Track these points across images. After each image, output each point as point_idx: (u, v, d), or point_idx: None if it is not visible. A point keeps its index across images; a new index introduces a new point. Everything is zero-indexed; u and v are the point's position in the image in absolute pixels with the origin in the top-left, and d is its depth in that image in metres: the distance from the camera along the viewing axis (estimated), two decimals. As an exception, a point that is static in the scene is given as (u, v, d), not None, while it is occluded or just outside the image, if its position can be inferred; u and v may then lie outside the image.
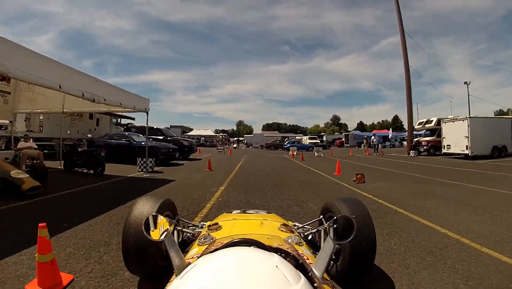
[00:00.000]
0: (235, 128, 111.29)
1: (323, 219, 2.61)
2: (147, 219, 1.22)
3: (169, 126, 42.32)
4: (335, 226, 1.17)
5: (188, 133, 47.82)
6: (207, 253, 1.03)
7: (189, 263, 1.03)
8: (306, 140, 43.97)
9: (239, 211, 2.56)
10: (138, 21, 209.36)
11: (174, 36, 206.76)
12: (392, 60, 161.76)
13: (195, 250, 1.52)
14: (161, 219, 1.23)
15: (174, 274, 1.08)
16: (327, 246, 1.05)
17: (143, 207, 2.34)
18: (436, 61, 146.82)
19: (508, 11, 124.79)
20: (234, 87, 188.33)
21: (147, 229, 1.20)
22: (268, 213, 2.50)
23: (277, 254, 0.88)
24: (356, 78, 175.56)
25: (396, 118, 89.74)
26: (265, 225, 1.94)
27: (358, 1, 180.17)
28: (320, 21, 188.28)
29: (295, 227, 2.42)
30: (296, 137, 50.10)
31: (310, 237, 2.41)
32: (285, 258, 0.95)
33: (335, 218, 1.19)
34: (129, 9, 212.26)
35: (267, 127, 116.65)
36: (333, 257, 2.24)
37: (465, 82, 37.75)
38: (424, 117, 25.17)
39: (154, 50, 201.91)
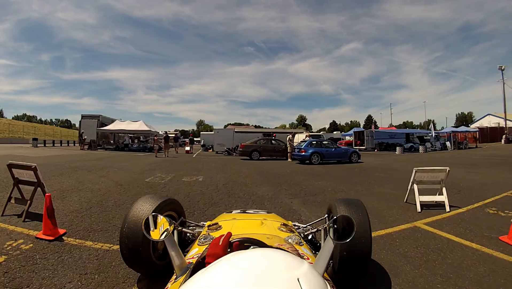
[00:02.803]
0: (195, 128, 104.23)
1: (326, 218, 2.60)
2: (147, 219, 1.25)
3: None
4: (335, 226, 1.18)
5: (107, 127, 31.20)
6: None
7: (189, 263, 1.17)
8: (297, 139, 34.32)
9: (239, 211, 2.57)
10: (102, 15, 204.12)
11: (138, 33, 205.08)
12: (352, 65, 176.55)
13: (195, 250, 1.53)
14: (161, 218, 1.25)
15: (174, 274, 1.10)
16: (327, 245, 1.05)
17: (142, 205, 2.37)
18: (394, 67, 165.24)
19: (464, 23, 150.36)
20: (198, 87, 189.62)
21: (147, 228, 1.22)
22: (268, 212, 2.50)
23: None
24: (317, 82, 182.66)
25: (369, 118, 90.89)
26: (265, 224, 1.94)
27: (324, 8, 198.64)
28: (286, 24, 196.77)
29: (295, 227, 2.45)
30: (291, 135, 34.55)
31: (310, 237, 2.43)
32: None
33: (335, 217, 1.20)
34: (93, 1, 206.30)
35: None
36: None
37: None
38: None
39: (116, 46, 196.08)
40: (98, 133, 31.12)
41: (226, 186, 8.05)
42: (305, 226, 2.69)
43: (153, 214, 1.28)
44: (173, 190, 7.39)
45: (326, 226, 1.65)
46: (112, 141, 32.04)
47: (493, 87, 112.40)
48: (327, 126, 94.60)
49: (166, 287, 1.00)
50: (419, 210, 5.51)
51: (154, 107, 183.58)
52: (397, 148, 26.43)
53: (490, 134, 42.45)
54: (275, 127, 73.91)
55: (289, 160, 18.20)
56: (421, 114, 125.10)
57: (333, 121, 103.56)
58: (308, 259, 1.36)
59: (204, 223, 2.49)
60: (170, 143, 22.77)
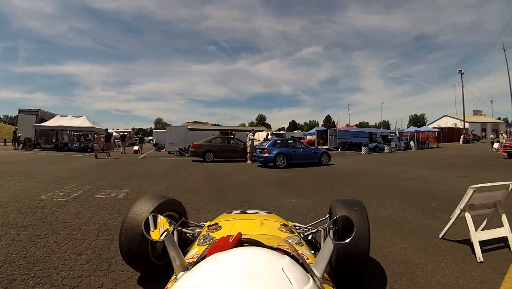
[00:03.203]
0: (153, 126, 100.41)
1: (328, 218, 2.61)
2: (147, 218, 1.25)
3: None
4: (335, 226, 1.19)
5: (45, 123, 25.35)
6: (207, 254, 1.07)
7: (189, 263, 1.13)
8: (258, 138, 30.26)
9: (239, 211, 2.57)
10: (60, 3, 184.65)
11: (98, 25, 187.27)
12: (312, 68, 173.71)
13: (195, 250, 1.54)
14: (161, 219, 1.25)
15: (174, 274, 1.08)
16: (327, 246, 1.05)
17: (143, 205, 2.41)
18: (352, 71, 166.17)
19: (419, 33, 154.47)
20: (157, 85, 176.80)
21: (147, 228, 1.22)
22: (268, 213, 2.51)
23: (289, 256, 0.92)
24: (277, 82, 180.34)
25: (328, 118, 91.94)
26: (265, 225, 1.95)
27: (287, 11, 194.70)
28: (250, 25, 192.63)
29: (295, 227, 2.44)
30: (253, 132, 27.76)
31: (310, 237, 2.41)
32: None
33: (335, 218, 1.20)
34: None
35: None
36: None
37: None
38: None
39: (74, 38, 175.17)
40: (37, 130, 25.72)
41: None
42: (305, 226, 2.64)
43: (153, 214, 1.27)
44: (62, 219, 4.46)
45: (326, 226, 1.69)
46: (54, 140, 26.66)
47: (443, 92, 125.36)
48: (286, 125, 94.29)
49: (166, 287, 0.98)
50: (481, 259, 3.09)
51: (111, 104, 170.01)
52: (363, 148, 25.33)
53: (448, 135, 43.81)
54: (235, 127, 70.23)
55: (248, 161, 15.46)
56: (377, 115, 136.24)
57: (293, 120, 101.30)
58: (308, 259, 1.36)
59: (204, 223, 2.46)
60: (120, 142, 20.27)
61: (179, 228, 2.34)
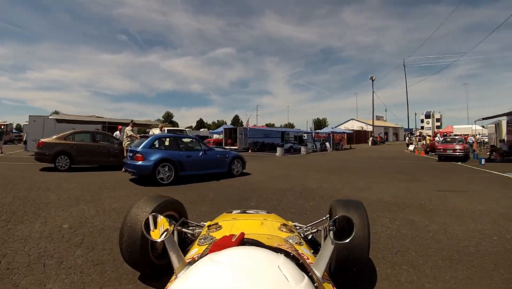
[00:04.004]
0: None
1: (329, 218, 2.61)
2: (147, 218, 1.24)
3: None
4: (335, 226, 1.21)
5: None
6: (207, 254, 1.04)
7: (189, 263, 1.08)
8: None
9: (239, 211, 2.56)
10: None
11: None
12: (224, 68, 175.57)
13: (195, 250, 1.54)
14: (161, 219, 1.24)
15: (174, 274, 1.07)
16: (327, 246, 1.06)
17: (143, 205, 2.43)
18: (263, 75, 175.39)
19: (326, 47, 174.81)
20: (59, 72, 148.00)
21: (147, 228, 1.22)
22: (268, 213, 2.50)
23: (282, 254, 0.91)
24: (189, 80, 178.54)
25: (236, 118, 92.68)
26: (265, 225, 1.95)
27: (207, 10, 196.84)
28: (166, 18, 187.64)
29: (295, 227, 2.43)
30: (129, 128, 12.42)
31: (310, 237, 2.40)
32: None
33: (335, 218, 1.22)
34: None
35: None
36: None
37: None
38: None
39: None
40: None
41: None
42: (305, 226, 2.62)
43: (153, 214, 1.27)
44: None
45: (326, 226, 1.67)
46: None
47: (343, 100, 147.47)
48: (194, 124, 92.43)
49: (166, 287, 0.95)
50: None
51: (4, 92, 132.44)
52: (278, 149, 22.29)
53: (357, 137, 46.75)
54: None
55: (124, 169, 9.57)
56: (284, 118, 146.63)
57: (200, 119, 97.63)
58: (308, 259, 1.35)
59: (204, 223, 2.45)
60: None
61: (179, 228, 2.32)
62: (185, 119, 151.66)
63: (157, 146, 8.29)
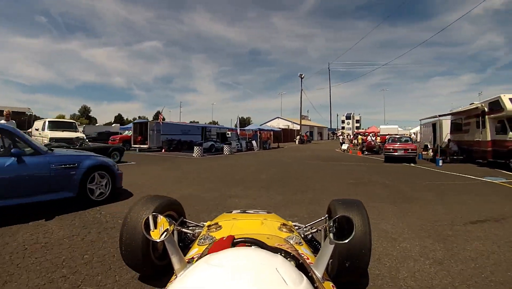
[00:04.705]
0: None
1: (327, 218, 2.60)
2: (147, 218, 1.21)
3: None
4: (335, 226, 1.20)
5: None
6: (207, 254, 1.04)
7: (189, 263, 1.08)
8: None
9: (239, 211, 2.51)
10: None
11: None
12: (149, 62, 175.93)
13: (195, 250, 1.52)
14: (161, 218, 1.22)
15: (174, 274, 1.06)
16: (327, 246, 1.05)
17: (142, 205, 2.43)
18: (188, 72, 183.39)
19: (253, 49, 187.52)
20: None
21: (147, 228, 1.19)
22: (268, 212, 2.45)
23: (280, 254, 0.91)
24: (111, 73, 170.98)
25: (158, 114, 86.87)
26: (265, 224, 1.92)
27: None
28: (92, 3, 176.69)
29: (295, 227, 2.40)
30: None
31: (310, 237, 2.40)
32: (285, 257, 0.97)
33: (335, 217, 1.21)
34: None
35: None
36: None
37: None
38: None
39: None
40: None
41: None
42: (305, 226, 2.57)
43: (153, 213, 1.24)
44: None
45: (326, 226, 1.63)
46: None
47: (268, 100, 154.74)
48: (112, 120, 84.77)
49: (165, 287, 0.92)
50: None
51: None
52: (195, 148, 18.65)
53: (283, 135, 44.87)
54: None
55: None
56: (208, 116, 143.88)
57: (119, 114, 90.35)
58: (308, 259, 1.35)
59: (204, 223, 2.39)
60: None
61: (179, 228, 2.30)
62: (106, 114, 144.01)
63: None
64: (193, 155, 18.10)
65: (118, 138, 24.51)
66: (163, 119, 24.56)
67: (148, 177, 9.19)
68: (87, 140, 15.93)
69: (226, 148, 21.22)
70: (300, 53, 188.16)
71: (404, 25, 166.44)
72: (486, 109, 12.99)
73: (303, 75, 48.74)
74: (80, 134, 16.64)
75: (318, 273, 1.01)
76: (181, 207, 2.76)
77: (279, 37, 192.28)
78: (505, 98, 11.76)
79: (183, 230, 2.34)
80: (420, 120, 19.70)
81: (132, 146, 22.91)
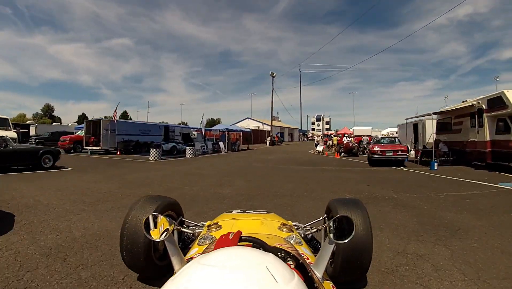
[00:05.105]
0: None
1: (326, 218, 2.57)
2: (147, 218, 1.20)
3: None
4: (335, 225, 1.16)
5: None
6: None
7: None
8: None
9: (239, 211, 2.49)
10: None
11: None
12: (118, 60, 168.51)
13: (195, 249, 1.53)
14: (161, 218, 1.21)
15: (174, 273, 1.02)
16: (327, 245, 1.05)
17: (142, 206, 2.41)
18: (158, 71, 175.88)
19: (226, 50, 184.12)
20: None
21: (147, 228, 1.18)
22: (268, 212, 2.42)
23: (276, 254, 0.94)
24: (78, 70, 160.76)
25: (125, 114, 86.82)
26: (265, 224, 1.91)
27: None
28: None
29: (295, 226, 2.37)
30: None
31: (310, 236, 2.38)
32: (285, 257, 1.04)
33: (335, 217, 1.17)
34: None
35: None
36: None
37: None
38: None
39: None
40: None
41: None
42: (305, 226, 2.56)
43: (153, 213, 1.23)
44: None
45: (326, 226, 1.55)
46: None
47: (238, 102, 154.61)
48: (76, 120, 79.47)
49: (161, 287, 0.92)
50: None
51: None
52: (152, 151, 16.43)
53: (254, 136, 43.85)
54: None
55: None
56: (177, 117, 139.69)
57: (83, 114, 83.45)
58: (308, 259, 1.34)
59: (204, 223, 2.41)
60: None
61: (179, 228, 2.28)
62: (71, 114, 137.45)
63: None
64: (150, 158, 15.34)
65: (68, 139, 21.87)
66: (127, 117, 21.43)
67: (67, 192, 6.55)
68: (11, 140, 12.75)
69: (188, 150, 18.58)
70: (271, 55, 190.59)
71: (372, 32, 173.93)
72: (484, 107, 11.60)
73: (274, 74, 48.59)
74: (8, 133, 14.09)
75: (318, 273, 1.01)
76: (180, 207, 2.74)
77: (251, 39, 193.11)
78: (509, 94, 10.31)
79: (183, 229, 2.31)
80: (406, 119, 18.35)
81: (84, 147, 20.44)
